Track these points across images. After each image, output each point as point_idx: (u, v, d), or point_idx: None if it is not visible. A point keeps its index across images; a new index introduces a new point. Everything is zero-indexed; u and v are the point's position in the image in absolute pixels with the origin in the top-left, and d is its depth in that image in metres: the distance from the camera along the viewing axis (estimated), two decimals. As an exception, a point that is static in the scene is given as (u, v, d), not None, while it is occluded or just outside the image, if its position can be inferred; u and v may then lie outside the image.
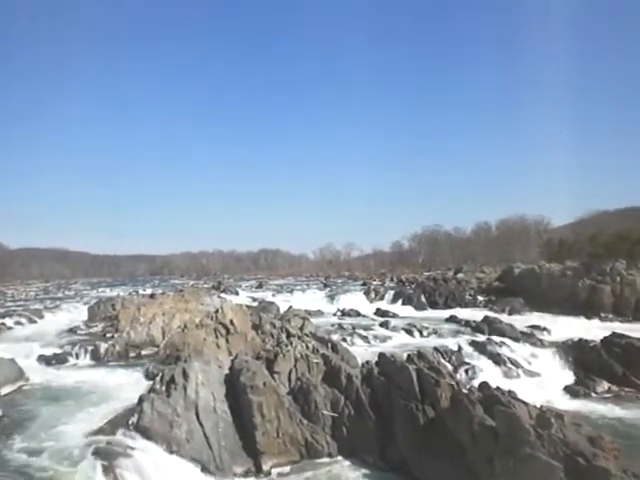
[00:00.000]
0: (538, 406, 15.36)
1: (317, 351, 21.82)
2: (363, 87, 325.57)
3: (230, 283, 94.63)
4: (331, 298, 61.87)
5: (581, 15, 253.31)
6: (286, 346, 21.74)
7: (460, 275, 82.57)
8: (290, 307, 38.75)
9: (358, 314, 48.18)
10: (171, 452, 16.13)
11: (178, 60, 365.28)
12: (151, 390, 18.01)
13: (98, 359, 30.35)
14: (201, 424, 17.33)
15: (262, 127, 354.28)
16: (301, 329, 28.34)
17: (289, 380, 20.19)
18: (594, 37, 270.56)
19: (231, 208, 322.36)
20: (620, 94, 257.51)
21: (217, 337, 24.13)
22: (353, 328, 36.85)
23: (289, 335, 25.27)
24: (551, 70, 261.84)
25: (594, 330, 36.21)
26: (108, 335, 34.46)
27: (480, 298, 61.01)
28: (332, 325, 38.56)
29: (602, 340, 30.78)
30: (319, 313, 47.90)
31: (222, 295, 55.75)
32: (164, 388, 17.95)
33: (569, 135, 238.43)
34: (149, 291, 60.44)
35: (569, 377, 28.76)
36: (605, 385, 27.88)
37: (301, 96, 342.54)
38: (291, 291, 71.02)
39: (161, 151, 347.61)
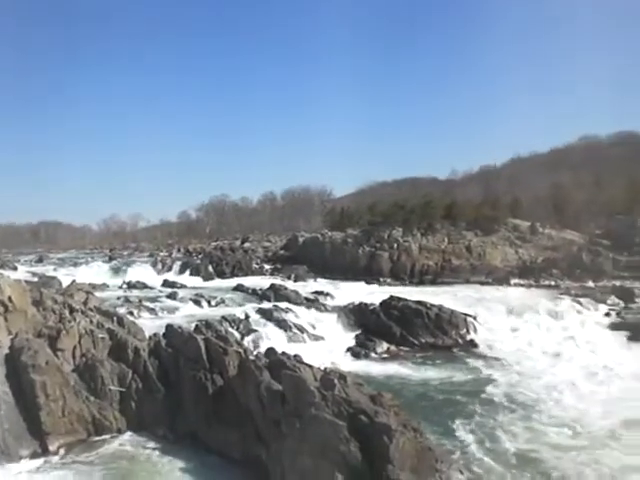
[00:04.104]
0: (323, 368, 16.04)
1: (102, 326, 21.21)
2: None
3: (8, 258, 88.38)
4: (117, 271, 59.95)
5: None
6: (69, 322, 20.87)
7: (247, 244, 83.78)
8: (73, 281, 36.98)
9: (145, 286, 47.19)
10: (-50, 439, 14.99)
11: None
12: None
13: None
14: (-19, 408, 16.28)
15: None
16: (85, 304, 27.15)
17: (74, 357, 19.47)
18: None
19: (5, 178, 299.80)
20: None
21: (-6, 316, 22.53)
22: (140, 301, 36.10)
23: (72, 311, 24.14)
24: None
25: (374, 294, 38.44)
26: None
27: (266, 266, 62.45)
28: (118, 298, 37.44)
29: (381, 303, 32.91)
30: (104, 287, 46.20)
31: (-1, 271, 52.22)
32: (-62, 372, 16.65)
33: (350, 107, 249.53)
34: None
35: (352, 339, 30.36)
36: (384, 345, 29.89)
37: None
38: (74, 265, 67.73)
39: None
